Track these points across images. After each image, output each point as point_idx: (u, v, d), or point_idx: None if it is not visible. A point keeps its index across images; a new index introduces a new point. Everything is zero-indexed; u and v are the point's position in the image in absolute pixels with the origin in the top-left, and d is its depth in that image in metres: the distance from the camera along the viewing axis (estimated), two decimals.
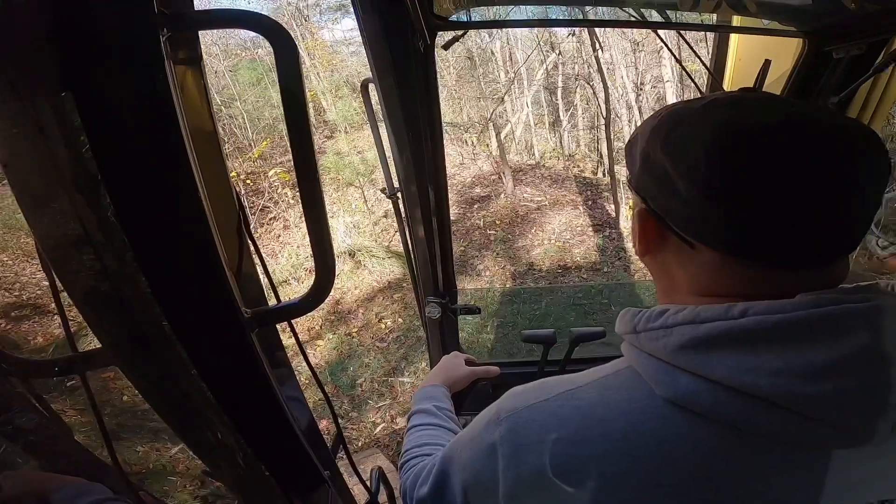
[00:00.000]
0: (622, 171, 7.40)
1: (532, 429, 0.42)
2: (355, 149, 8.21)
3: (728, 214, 0.35)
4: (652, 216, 0.42)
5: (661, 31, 1.47)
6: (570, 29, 6.68)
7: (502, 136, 8.23)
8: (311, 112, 8.52)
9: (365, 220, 6.83)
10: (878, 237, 3.58)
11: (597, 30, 5.64)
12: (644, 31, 6.62)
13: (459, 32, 1.21)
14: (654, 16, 1.21)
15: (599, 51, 6.42)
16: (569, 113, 9.49)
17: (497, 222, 6.93)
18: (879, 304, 0.34)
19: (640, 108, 8.27)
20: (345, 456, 0.90)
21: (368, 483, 0.97)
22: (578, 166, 8.91)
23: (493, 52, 9.09)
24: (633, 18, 1.21)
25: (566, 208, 7.23)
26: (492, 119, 7.97)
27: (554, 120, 9.83)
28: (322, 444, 0.87)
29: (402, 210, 1.42)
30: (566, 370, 1.74)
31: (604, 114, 7.07)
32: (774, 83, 1.28)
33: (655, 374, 0.38)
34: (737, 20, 1.34)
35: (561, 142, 9.50)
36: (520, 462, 0.41)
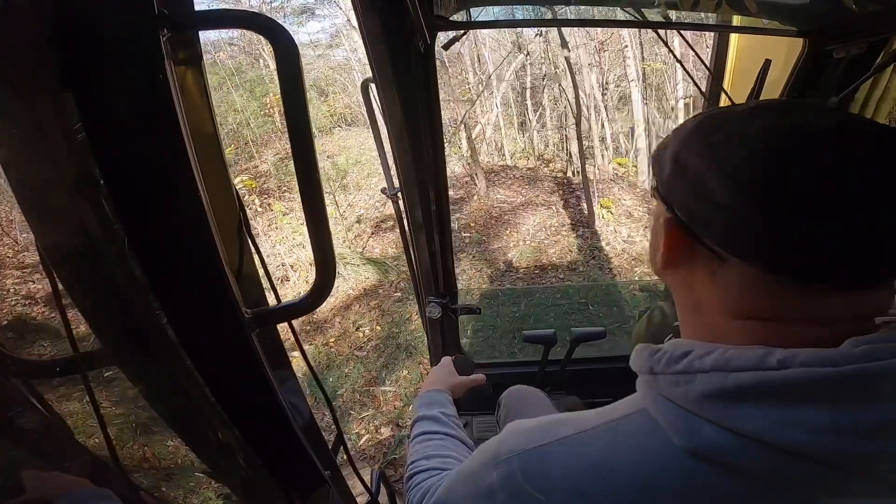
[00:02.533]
0: (594, 171, 7.41)
1: (533, 475, 0.39)
2: (325, 153, 8.01)
3: (772, 223, 0.32)
4: (678, 225, 0.38)
5: (660, 31, 1.46)
6: (537, 29, 6.65)
7: (473, 137, 8.18)
8: (277, 117, 8.34)
9: (337, 227, 6.63)
10: None
11: (564, 30, 5.61)
12: (610, 30, 6.65)
13: (460, 32, 1.21)
14: (655, 16, 1.21)
15: (568, 51, 6.41)
16: (537, 113, 9.48)
17: (471, 224, 6.83)
18: None
19: (605, 107, 8.36)
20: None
21: (369, 483, 0.97)
22: (549, 166, 8.87)
23: (461, 54, 9.06)
24: (633, 18, 1.21)
25: (539, 208, 7.15)
26: (463, 121, 7.87)
27: (522, 121, 9.81)
28: (322, 444, 0.86)
29: (403, 210, 1.42)
30: (567, 370, 1.74)
31: (574, 113, 7.04)
32: (774, 83, 1.28)
33: (675, 422, 0.35)
34: (737, 20, 1.34)
35: (531, 142, 9.51)
36: None
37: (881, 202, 0.30)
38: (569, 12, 1.30)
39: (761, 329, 0.35)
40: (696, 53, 1.43)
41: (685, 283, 0.41)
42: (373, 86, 1.11)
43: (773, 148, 0.32)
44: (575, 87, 6.84)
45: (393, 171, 1.35)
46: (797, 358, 0.31)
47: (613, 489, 0.35)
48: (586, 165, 7.06)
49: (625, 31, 6.70)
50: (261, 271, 0.75)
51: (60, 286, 0.37)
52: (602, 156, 8.32)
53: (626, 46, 7.33)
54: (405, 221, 1.45)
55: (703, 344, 0.36)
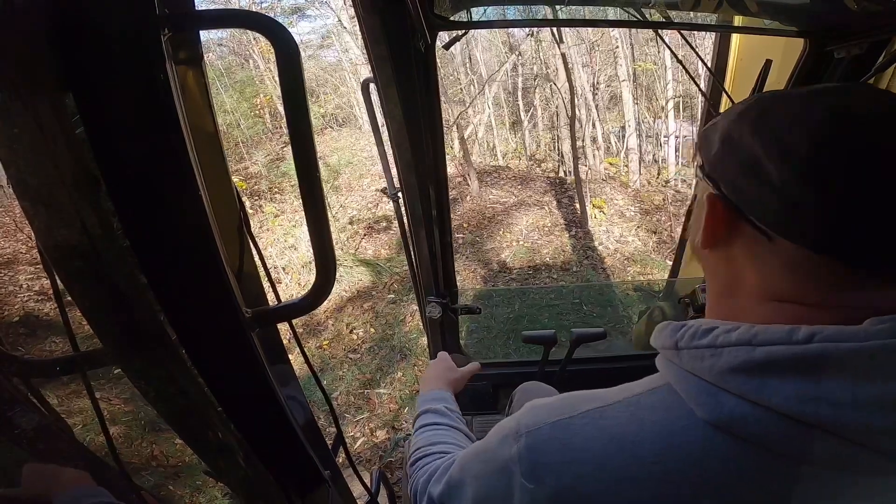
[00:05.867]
0: (585, 171, 7.41)
1: (554, 447, 0.39)
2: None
3: (826, 203, 0.32)
4: (723, 203, 0.38)
5: (660, 31, 1.46)
6: (528, 30, 6.63)
7: (465, 137, 8.10)
8: (268, 118, 8.26)
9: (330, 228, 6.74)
10: None
11: (555, 29, 5.57)
12: (601, 30, 6.62)
13: (460, 32, 1.21)
14: (655, 16, 1.21)
15: (561, 50, 6.41)
16: (529, 113, 9.48)
17: (465, 225, 6.82)
18: None
19: (596, 107, 8.40)
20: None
21: (369, 484, 0.97)
22: (541, 166, 8.89)
23: (453, 54, 9.04)
24: (633, 18, 1.21)
25: (532, 209, 7.16)
26: (455, 121, 7.82)
27: (514, 121, 9.81)
28: (322, 444, 0.87)
29: (403, 210, 1.42)
30: (567, 371, 1.74)
31: (568, 113, 7.03)
32: (775, 83, 1.28)
33: (698, 395, 0.35)
34: (738, 20, 1.34)
35: (523, 142, 9.52)
36: (539, 482, 0.39)
37: None
38: (570, 12, 1.30)
39: (792, 313, 0.35)
40: (697, 53, 1.43)
41: (726, 263, 0.41)
42: (373, 85, 1.11)
43: (831, 131, 0.33)
44: (570, 86, 6.84)
45: (393, 171, 1.35)
46: (822, 333, 0.32)
47: (635, 459, 0.36)
48: (578, 165, 7.07)
49: (615, 32, 6.69)
50: (261, 271, 0.75)
51: (60, 285, 0.37)
52: (594, 156, 8.34)
53: (617, 47, 7.34)
54: (405, 221, 1.45)
55: (727, 322, 0.37)
